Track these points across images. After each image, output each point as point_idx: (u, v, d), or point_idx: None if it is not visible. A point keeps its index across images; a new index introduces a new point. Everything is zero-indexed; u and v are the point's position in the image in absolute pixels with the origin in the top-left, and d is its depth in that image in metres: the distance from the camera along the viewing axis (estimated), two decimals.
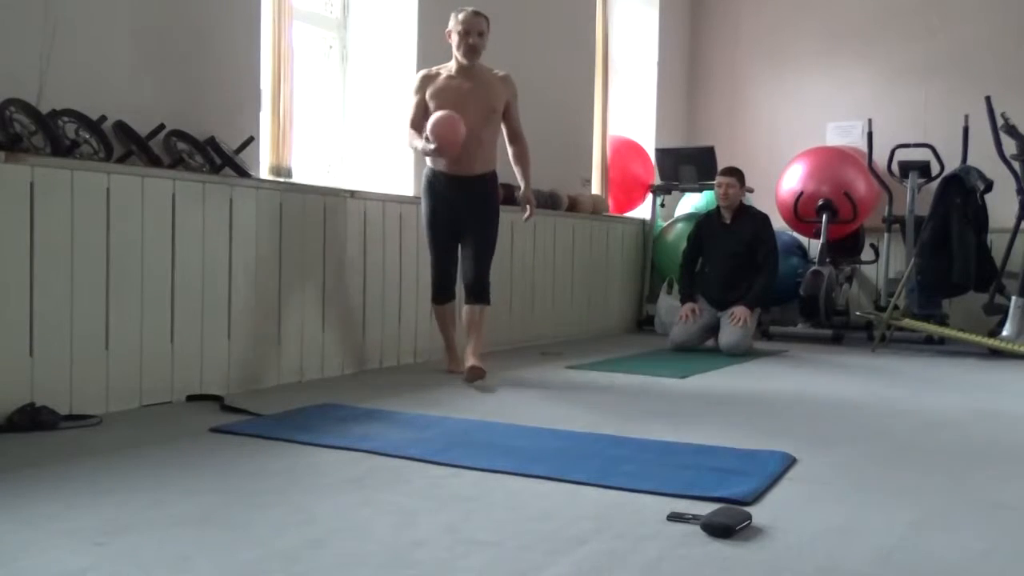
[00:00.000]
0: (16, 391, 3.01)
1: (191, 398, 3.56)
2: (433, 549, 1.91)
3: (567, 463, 2.62)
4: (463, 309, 4.30)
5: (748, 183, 5.92)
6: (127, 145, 3.49)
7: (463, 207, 4.20)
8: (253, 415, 3.27)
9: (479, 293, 4.21)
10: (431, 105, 4.10)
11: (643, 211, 7.16)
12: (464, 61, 4.13)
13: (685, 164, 6.80)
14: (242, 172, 3.86)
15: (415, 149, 4.18)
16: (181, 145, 3.69)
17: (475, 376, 4.05)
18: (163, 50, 3.69)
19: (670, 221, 7.07)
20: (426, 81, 4.18)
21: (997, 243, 6.00)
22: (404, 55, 4.95)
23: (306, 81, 4.71)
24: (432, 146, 3.94)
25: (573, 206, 6.19)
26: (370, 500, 2.27)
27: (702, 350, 5.58)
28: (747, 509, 2.15)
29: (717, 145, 6.88)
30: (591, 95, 6.80)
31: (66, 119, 3.29)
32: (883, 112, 6.93)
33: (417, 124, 4.11)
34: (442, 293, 4.36)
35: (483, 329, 4.24)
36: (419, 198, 4.40)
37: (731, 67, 7.80)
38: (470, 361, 4.11)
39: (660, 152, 7.02)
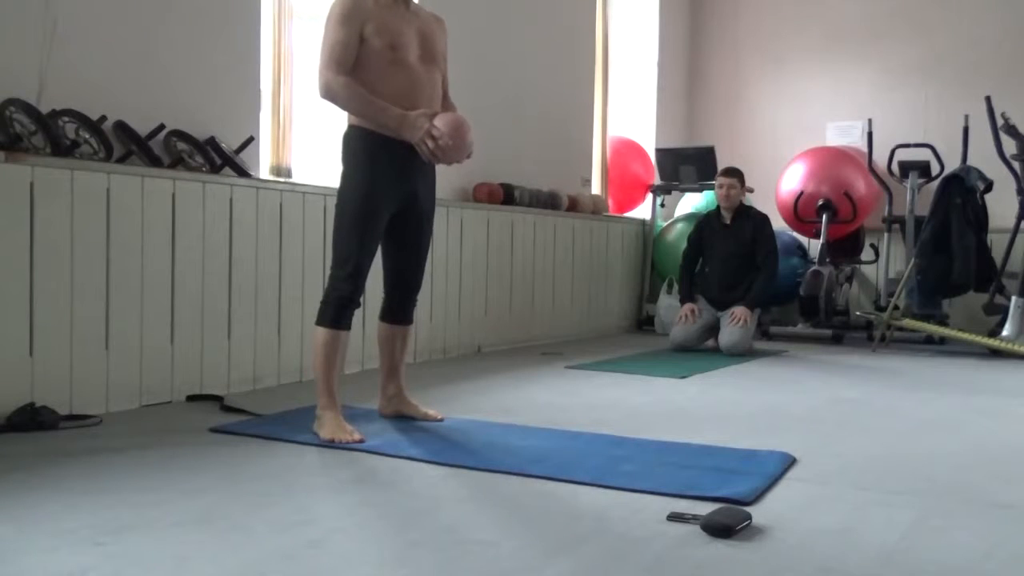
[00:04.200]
0: (16, 391, 3.01)
1: (191, 398, 3.56)
2: (433, 549, 1.91)
3: (567, 463, 2.62)
4: (383, 330, 3.25)
5: (748, 183, 5.93)
6: (127, 145, 3.49)
7: (417, 186, 3.09)
8: (253, 415, 3.27)
9: (410, 309, 3.26)
10: (373, 43, 2.94)
11: (643, 211, 7.16)
12: None
13: (685, 164, 6.80)
14: (242, 172, 3.86)
15: (383, 122, 2.95)
16: (181, 145, 3.69)
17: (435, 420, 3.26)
18: (163, 50, 3.69)
19: (670, 221, 7.07)
20: (359, 7, 2.95)
21: (997, 243, 6.00)
22: None
23: (306, 81, 4.70)
24: (431, 147, 2.92)
25: (573, 206, 6.19)
26: (370, 500, 2.27)
27: (702, 350, 5.57)
28: (747, 509, 2.15)
29: (717, 145, 6.89)
30: (591, 95, 6.81)
31: (66, 119, 3.29)
32: (883, 112, 6.93)
33: (346, 66, 2.92)
34: (349, 313, 3.00)
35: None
36: None
37: (731, 67, 7.80)
38: (415, 407, 3.28)
39: (660, 152, 7.02)
